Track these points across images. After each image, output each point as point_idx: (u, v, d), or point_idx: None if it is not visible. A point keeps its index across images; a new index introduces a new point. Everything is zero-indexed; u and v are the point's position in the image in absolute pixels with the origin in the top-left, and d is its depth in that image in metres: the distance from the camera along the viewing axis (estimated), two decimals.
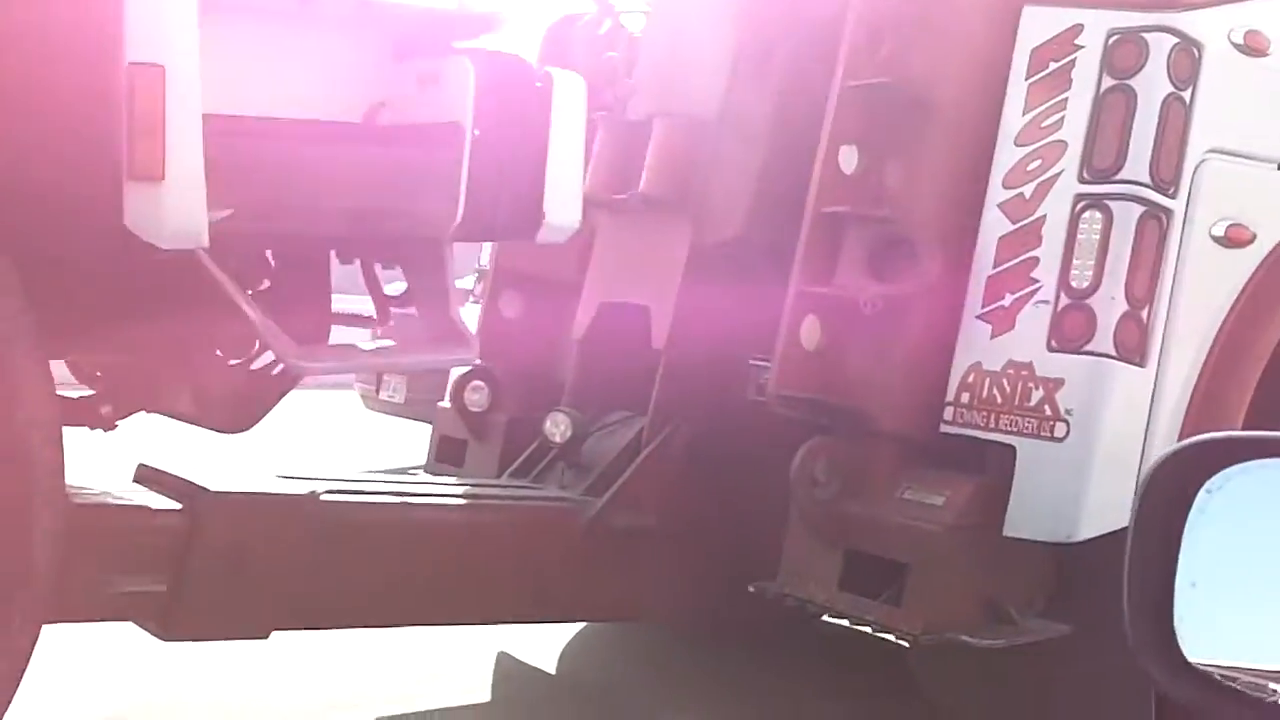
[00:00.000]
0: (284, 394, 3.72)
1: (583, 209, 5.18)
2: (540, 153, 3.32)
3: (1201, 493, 1.49)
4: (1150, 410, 4.18)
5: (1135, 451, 4.15)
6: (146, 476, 4.24)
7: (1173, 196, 4.16)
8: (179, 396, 3.64)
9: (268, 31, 3.03)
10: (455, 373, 5.63)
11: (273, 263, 3.39)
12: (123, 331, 3.17)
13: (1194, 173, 4.20)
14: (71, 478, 3.97)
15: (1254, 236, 4.29)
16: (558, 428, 4.98)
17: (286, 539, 4.10)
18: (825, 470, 4.36)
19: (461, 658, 5.37)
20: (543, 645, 5.63)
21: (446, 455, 5.76)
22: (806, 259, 4.44)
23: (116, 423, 3.70)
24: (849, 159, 4.44)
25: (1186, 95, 4.17)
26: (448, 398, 5.62)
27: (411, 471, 5.89)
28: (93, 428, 3.70)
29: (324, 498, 4.22)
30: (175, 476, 4.15)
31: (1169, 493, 1.48)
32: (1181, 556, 1.46)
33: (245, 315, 2.87)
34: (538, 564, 4.54)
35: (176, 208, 2.79)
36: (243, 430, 3.69)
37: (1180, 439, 4.21)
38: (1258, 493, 1.49)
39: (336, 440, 10.77)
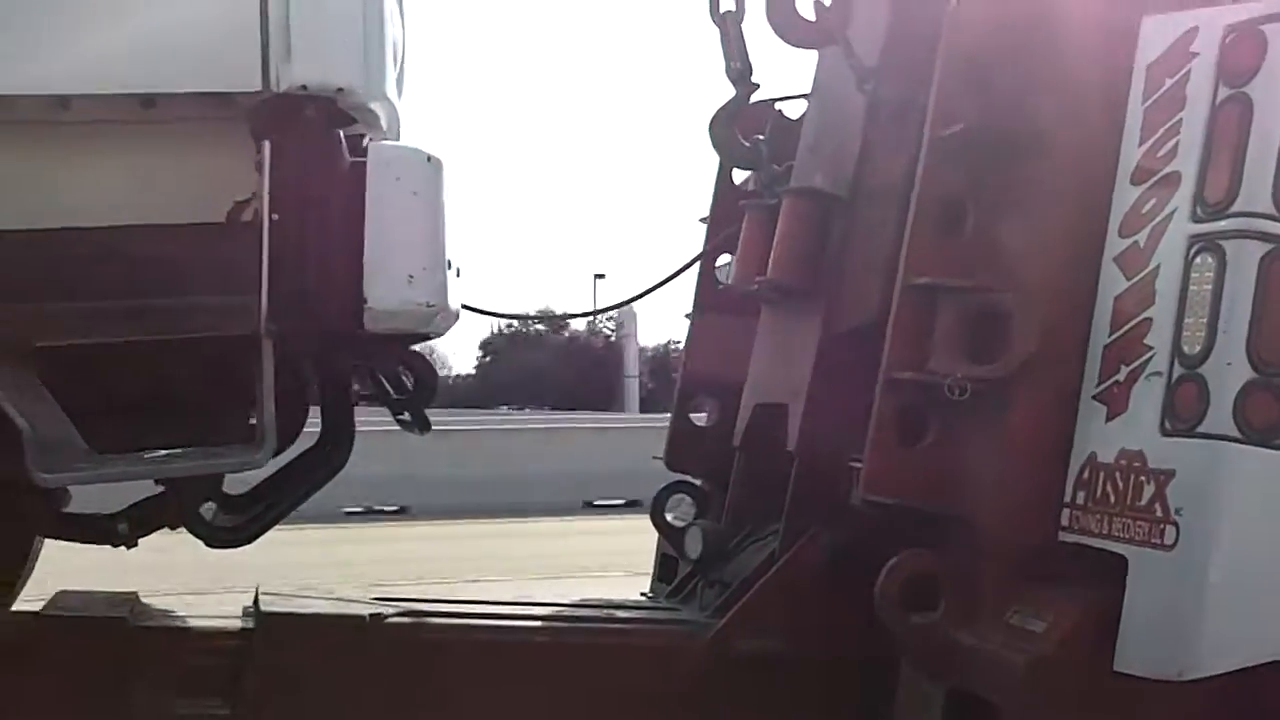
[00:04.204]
0: (282, 513, 3.62)
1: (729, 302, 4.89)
2: (354, 235, 3.04)
3: None
4: None
5: (1276, 562, 3.19)
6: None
7: None
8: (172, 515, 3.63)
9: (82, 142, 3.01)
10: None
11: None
12: None
13: None
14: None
15: None
16: (695, 543, 4.54)
17: (344, 664, 3.97)
18: (930, 590, 3.67)
19: None
20: None
21: (665, 574, 5.42)
22: (896, 341, 3.80)
23: (137, 540, 3.73)
24: (946, 221, 3.79)
25: None
26: (650, 514, 5.31)
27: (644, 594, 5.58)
28: (115, 545, 3.76)
29: (389, 620, 4.07)
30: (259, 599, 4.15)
31: None
32: None
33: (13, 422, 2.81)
34: (642, 694, 4.12)
35: None
36: (230, 546, 3.62)
37: None
38: None
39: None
